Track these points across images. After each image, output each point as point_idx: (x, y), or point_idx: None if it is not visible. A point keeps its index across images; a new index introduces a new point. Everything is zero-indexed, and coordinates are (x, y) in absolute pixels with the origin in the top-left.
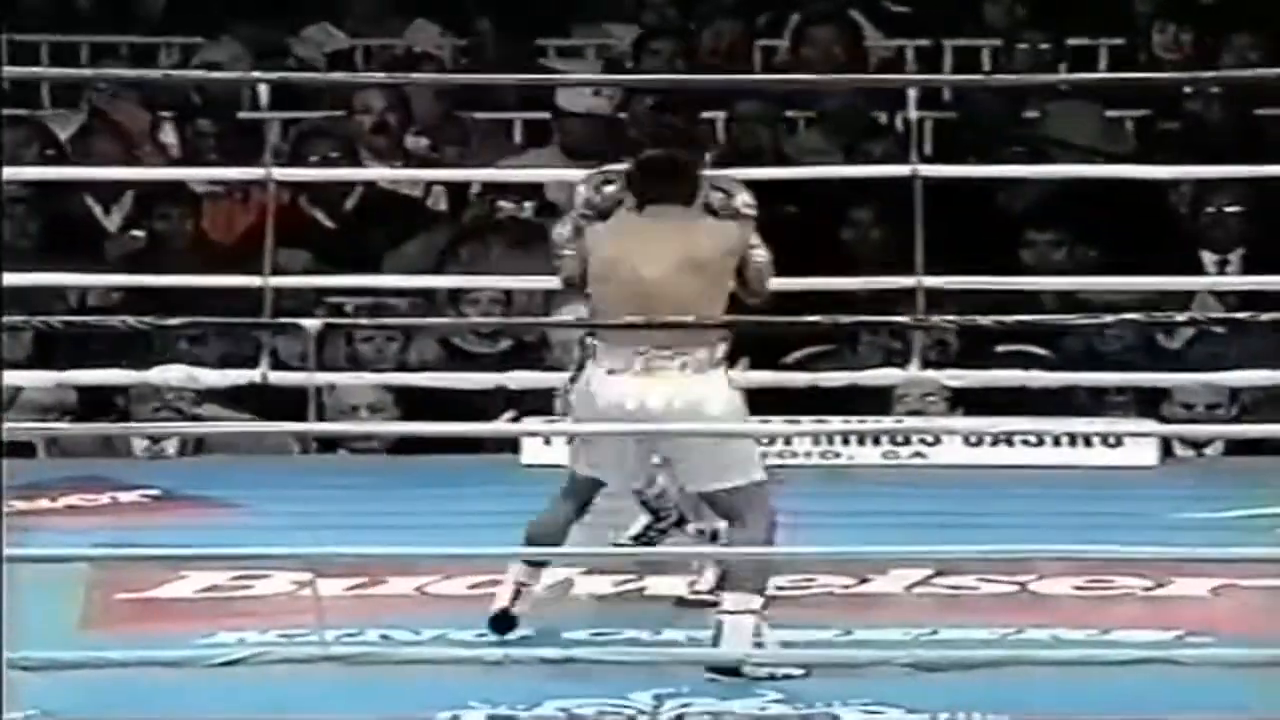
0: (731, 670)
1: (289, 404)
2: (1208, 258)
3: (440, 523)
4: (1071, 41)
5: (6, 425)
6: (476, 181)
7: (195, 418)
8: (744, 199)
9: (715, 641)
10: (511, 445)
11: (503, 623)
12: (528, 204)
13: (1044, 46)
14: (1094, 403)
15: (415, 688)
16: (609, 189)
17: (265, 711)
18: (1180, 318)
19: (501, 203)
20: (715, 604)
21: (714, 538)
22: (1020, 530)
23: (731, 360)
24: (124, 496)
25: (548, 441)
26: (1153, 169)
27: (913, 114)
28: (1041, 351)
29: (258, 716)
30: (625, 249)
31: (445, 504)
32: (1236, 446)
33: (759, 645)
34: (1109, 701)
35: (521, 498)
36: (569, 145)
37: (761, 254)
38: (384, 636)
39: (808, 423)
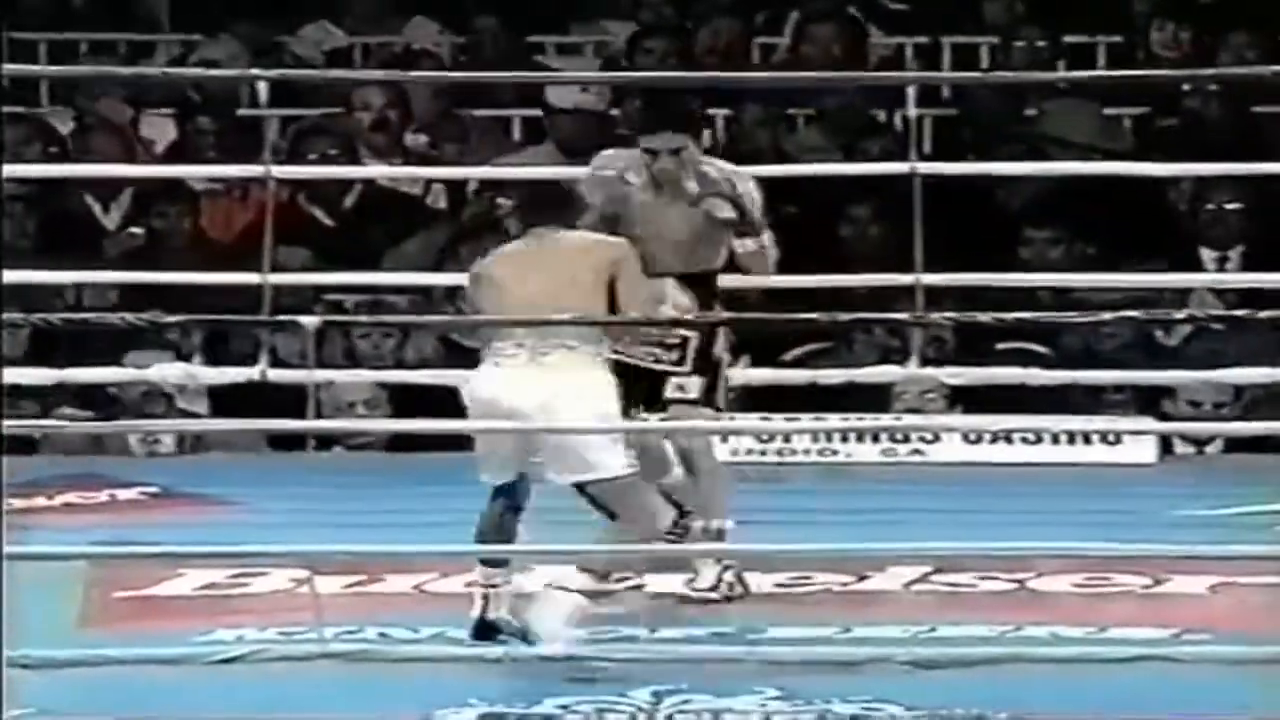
0: (491, 629)
1: (288, 401)
2: (1207, 255)
3: (438, 520)
4: (1070, 39)
5: (11, 422)
6: (475, 179)
7: (188, 415)
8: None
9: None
10: None
11: (484, 631)
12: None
13: (1042, 44)
14: (1093, 400)
15: (413, 686)
16: None
17: (263, 709)
18: (1179, 315)
19: (500, 200)
20: (716, 601)
21: (720, 536)
22: (1019, 528)
23: (734, 357)
24: (122, 494)
25: None
26: (1151, 166)
27: (912, 112)
28: (1040, 349)
29: (256, 714)
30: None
31: (443, 501)
32: (1236, 444)
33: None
34: (1107, 699)
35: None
36: (562, 142)
37: (750, 244)
38: (382, 634)
39: (806, 420)
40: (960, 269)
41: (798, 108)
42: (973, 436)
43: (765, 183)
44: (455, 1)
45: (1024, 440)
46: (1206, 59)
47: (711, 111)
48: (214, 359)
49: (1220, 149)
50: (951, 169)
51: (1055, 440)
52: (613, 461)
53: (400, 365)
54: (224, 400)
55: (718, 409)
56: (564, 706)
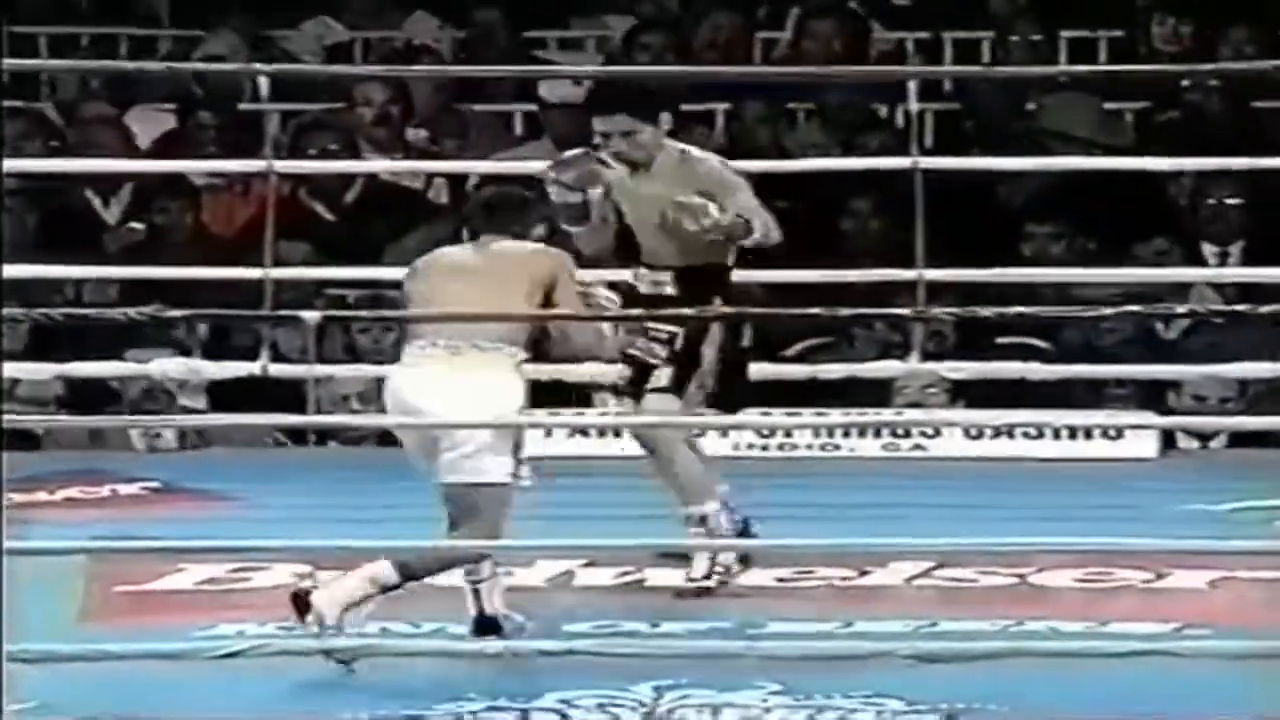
0: (491, 624)
1: (288, 396)
2: (1208, 250)
3: (439, 515)
4: (1071, 34)
5: (11, 416)
6: (476, 174)
7: (188, 410)
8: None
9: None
10: None
11: (484, 626)
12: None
13: (1043, 39)
14: (1094, 395)
15: (414, 680)
16: None
17: (264, 704)
18: (1180, 310)
19: None
20: (710, 590)
21: (703, 521)
22: (1020, 523)
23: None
24: (123, 489)
25: (548, 433)
26: (1152, 160)
27: (913, 106)
28: (1041, 344)
29: (257, 709)
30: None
31: None
32: (1240, 439)
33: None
34: (1107, 694)
35: (522, 490)
36: (554, 136)
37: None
38: (383, 629)
39: (808, 415)
40: (961, 264)
41: (798, 103)
42: (974, 431)
43: (766, 178)
44: None
45: (1025, 435)
46: (1207, 54)
47: (711, 106)
48: (215, 354)
49: (1221, 144)
50: (953, 164)
51: (1056, 435)
52: (493, 467)
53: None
54: (224, 395)
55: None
56: (565, 701)
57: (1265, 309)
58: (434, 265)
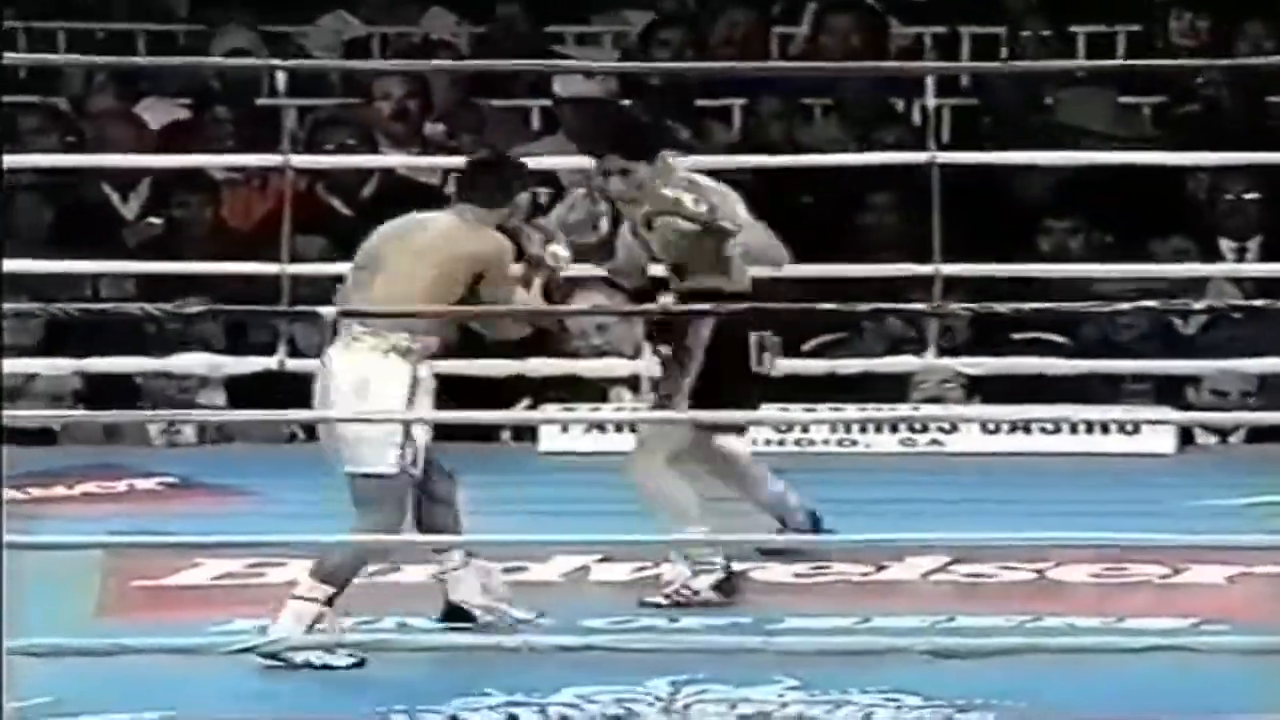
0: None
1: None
2: (1225, 245)
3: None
4: (1088, 29)
5: (16, 413)
6: None
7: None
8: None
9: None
10: (529, 433)
11: (451, 615)
12: (543, 190)
13: (1060, 33)
14: (1111, 390)
15: (432, 676)
16: None
17: (280, 699)
18: (1198, 305)
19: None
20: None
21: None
22: (1037, 518)
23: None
24: (140, 484)
25: (565, 429)
26: (1168, 155)
27: (930, 101)
28: (1058, 339)
29: (273, 703)
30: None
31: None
32: (1258, 434)
33: (311, 631)
34: (1125, 689)
35: (538, 485)
36: (569, 131)
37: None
38: (401, 624)
39: (825, 411)
40: (978, 259)
41: (815, 98)
42: (991, 426)
43: (782, 173)
44: None
45: (1043, 430)
46: (1224, 49)
47: (728, 102)
48: (233, 348)
49: (1238, 139)
50: (970, 159)
51: (1074, 430)
52: (372, 458)
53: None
54: (241, 390)
55: (665, 396)
56: (582, 696)
57: None
58: (368, 245)
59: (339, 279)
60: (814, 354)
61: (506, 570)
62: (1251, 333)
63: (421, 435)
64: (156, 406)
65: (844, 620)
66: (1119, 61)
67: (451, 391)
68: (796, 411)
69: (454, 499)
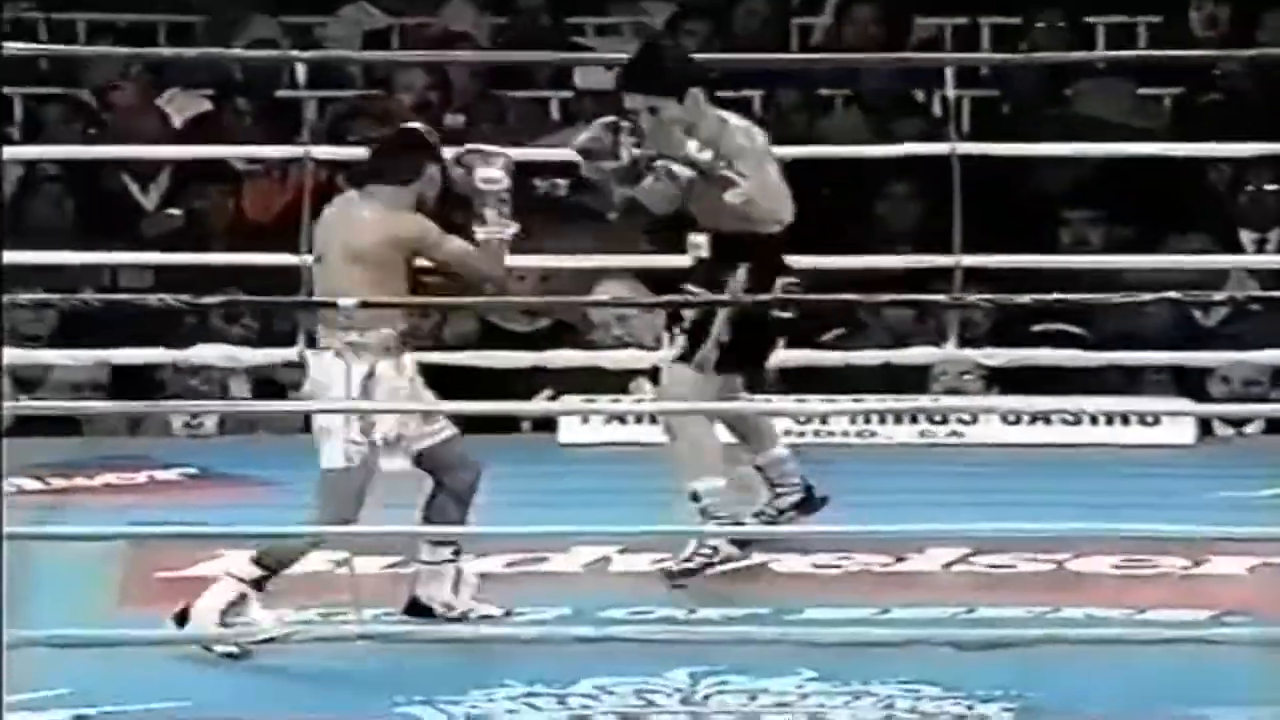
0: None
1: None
2: (1246, 236)
3: (475, 501)
4: (1109, 20)
5: (17, 404)
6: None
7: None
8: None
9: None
10: (548, 424)
11: (413, 610)
12: (562, 181)
13: (1079, 24)
14: (1131, 381)
15: (451, 666)
16: None
17: (302, 688)
18: (1219, 297)
19: (536, 181)
20: (694, 572)
21: (694, 498)
22: (1057, 509)
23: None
24: (162, 475)
25: (585, 420)
26: (1188, 146)
27: (950, 92)
28: (1078, 330)
29: (294, 693)
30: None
31: (481, 482)
32: (1277, 425)
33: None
34: (1145, 681)
35: (558, 476)
36: (589, 122)
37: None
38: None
39: (845, 402)
40: (997, 250)
41: (836, 89)
42: (1011, 417)
43: (802, 164)
44: None
45: (1062, 421)
46: (1245, 39)
47: (748, 93)
48: (253, 340)
49: (1259, 130)
50: (990, 149)
51: (1094, 421)
52: (328, 452)
53: (439, 346)
54: (262, 381)
55: (697, 366)
56: (601, 687)
57: None
58: (318, 226)
59: None
60: (835, 345)
61: (527, 561)
62: (1272, 324)
63: (383, 431)
64: (180, 397)
65: (864, 611)
66: (1139, 52)
67: (472, 383)
68: (815, 402)
69: (469, 496)
